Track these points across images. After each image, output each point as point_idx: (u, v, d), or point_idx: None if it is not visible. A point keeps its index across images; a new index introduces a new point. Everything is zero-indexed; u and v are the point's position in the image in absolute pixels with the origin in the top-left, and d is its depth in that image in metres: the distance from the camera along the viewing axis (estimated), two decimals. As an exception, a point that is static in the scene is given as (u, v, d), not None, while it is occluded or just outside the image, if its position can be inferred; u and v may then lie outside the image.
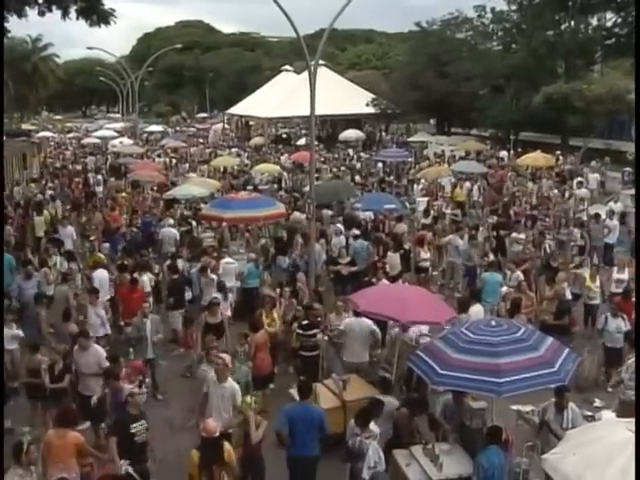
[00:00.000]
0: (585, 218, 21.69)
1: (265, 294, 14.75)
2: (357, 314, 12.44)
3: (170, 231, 20.31)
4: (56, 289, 15.04)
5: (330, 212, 22.68)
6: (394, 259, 17.58)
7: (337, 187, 25.26)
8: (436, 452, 9.06)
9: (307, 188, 24.02)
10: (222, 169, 35.61)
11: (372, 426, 9.07)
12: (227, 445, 8.47)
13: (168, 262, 16.84)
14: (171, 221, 21.39)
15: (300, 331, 12.86)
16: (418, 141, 47.97)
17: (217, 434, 8.31)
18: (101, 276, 15.35)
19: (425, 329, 12.72)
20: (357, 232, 19.88)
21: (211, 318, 13.22)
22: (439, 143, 44.64)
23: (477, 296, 14.30)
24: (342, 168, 35.23)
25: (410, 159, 38.52)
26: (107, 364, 11.05)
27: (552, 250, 18.63)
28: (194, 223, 21.63)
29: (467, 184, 28.55)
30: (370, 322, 12.42)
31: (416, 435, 9.70)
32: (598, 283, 15.49)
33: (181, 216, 22.65)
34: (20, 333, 12.63)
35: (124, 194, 27.91)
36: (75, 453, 8.73)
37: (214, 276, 15.64)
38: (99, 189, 31.15)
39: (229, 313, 14.57)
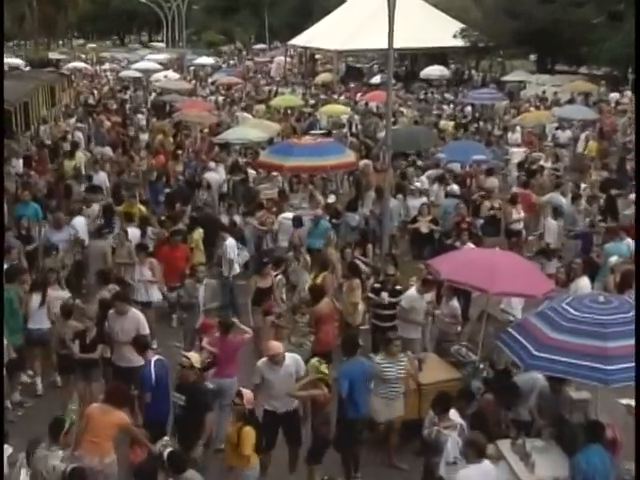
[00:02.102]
0: None
1: (327, 256, 14.81)
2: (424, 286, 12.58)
3: (213, 175, 20.54)
4: (91, 244, 15.34)
5: (404, 162, 22.57)
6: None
7: (417, 134, 25.03)
8: (527, 449, 8.95)
9: (382, 134, 23.95)
10: (283, 110, 35.62)
11: (453, 415, 9.02)
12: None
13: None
14: (213, 164, 21.62)
15: (376, 297, 12.95)
16: (515, 81, 47.04)
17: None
18: (132, 232, 15.59)
19: (517, 303, 12.58)
20: (455, 190, 19.70)
21: (262, 282, 13.32)
22: (540, 83, 43.70)
23: (592, 269, 14.03)
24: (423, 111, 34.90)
25: (504, 102, 37.86)
26: (147, 331, 11.19)
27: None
28: (250, 172, 21.77)
29: (567, 133, 27.93)
30: (428, 297, 12.58)
31: (503, 427, 9.61)
32: None
33: (234, 163, 22.78)
34: (67, 294, 12.87)
35: (169, 137, 28.22)
36: (115, 435, 8.90)
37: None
38: (140, 130, 31.54)
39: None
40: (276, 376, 9.66)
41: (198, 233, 16.03)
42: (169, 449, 8.25)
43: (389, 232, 16.69)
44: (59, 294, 12.69)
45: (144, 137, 28.89)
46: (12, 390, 11.94)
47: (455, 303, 12.73)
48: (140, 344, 10.42)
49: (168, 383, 9.96)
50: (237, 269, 15.36)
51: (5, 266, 12.70)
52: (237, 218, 17.56)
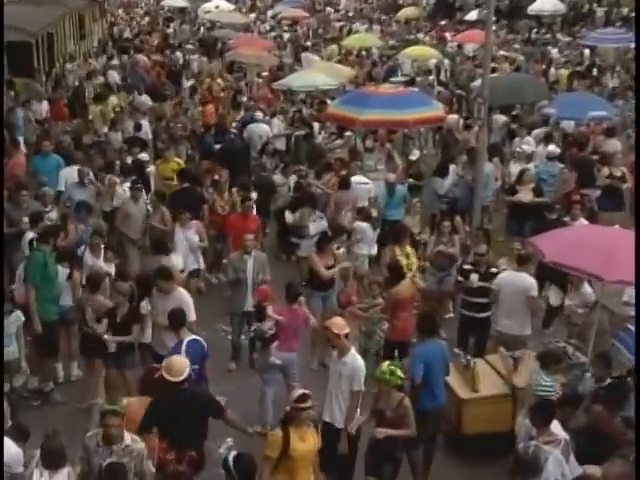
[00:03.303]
0: None
1: (406, 227, 14.85)
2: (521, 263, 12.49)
3: (260, 128, 20.70)
4: (128, 207, 15.42)
5: (504, 118, 22.35)
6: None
7: (521, 83, 24.59)
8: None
9: (477, 83, 23.69)
10: (357, 51, 35.49)
11: (555, 427, 8.95)
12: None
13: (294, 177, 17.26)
14: (260, 114, 21.74)
15: (464, 280, 12.98)
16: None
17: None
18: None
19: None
20: (554, 150, 19.40)
21: (324, 259, 13.39)
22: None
23: None
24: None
25: (632, 44, 37.04)
26: (193, 314, 11.24)
27: None
28: (316, 125, 21.83)
29: None
30: (530, 279, 12.43)
31: (621, 443, 9.46)
32: None
33: (298, 115, 22.80)
34: (110, 269, 13.14)
35: (220, 81, 28.39)
36: None
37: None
38: (185, 72, 31.75)
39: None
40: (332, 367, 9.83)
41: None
42: (234, 452, 8.25)
43: (482, 203, 16.59)
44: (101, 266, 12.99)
45: (190, 80, 29.08)
46: (32, 375, 12.15)
47: (588, 289, 12.61)
48: (175, 320, 10.46)
49: (203, 373, 10.13)
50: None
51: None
52: (292, 180, 17.73)
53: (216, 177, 17.13)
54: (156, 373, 9.24)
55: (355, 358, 9.86)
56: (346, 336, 9.90)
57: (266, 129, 21.17)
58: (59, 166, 17.13)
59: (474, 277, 12.84)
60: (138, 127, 20.87)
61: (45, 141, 17.98)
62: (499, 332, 12.44)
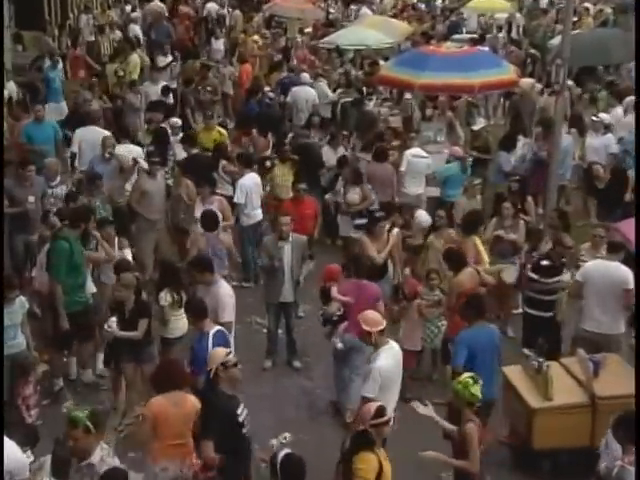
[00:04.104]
0: None
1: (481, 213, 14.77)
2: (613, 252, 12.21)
3: (307, 91, 20.70)
4: (144, 183, 15.28)
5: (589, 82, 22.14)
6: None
7: (607, 41, 24.31)
8: None
9: (555, 41, 23.37)
10: (415, 4, 35.37)
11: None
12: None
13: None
14: (306, 76, 21.69)
15: (535, 276, 12.83)
16: None
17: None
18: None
19: None
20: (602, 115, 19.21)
21: (377, 243, 13.37)
22: None
23: None
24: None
25: None
26: (230, 314, 11.19)
27: None
28: (366, 90, 21.72)
29: None
30: (625, 268, 12.11)
31: None
32: None
33: (345, 77, 22.69)
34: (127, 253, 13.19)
35: (257, 37, 28.33)
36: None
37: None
38: (218, 27, 31.71)
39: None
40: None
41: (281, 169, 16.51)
42: (286, 450, 8.18)
43: (558, 181, 16.41)
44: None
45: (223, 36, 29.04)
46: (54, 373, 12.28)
47: None
48: (196, 309, 10.54)
49: None
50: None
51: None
52: (341, 151, 17.70)
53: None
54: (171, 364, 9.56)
55: (379, 356, 9.67)
56: (381, 332, 9.78)
57: (313, 93, 21.17)
58: (56, 133, 17.15)
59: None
60: (166, 90, 20.91)
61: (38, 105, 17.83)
62: (586, 331, 12.18)
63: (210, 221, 13.46)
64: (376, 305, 11.22)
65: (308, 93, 21.06)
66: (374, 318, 9.86)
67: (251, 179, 15.71)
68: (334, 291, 11.66)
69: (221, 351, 9.18)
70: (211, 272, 11.47)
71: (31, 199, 13.97)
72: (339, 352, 11.57)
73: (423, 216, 15.00)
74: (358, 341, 10.56)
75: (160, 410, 9.04)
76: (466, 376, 9.22)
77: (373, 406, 8.39)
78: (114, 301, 11.60)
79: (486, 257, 13.45)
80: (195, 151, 16.83)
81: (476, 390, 9.05)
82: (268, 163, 17.09)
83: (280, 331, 13.31)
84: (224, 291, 11.38)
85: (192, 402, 9.13)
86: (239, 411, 8.93)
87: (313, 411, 11.89)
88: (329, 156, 17.67)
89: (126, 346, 11.37)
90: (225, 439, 8.69)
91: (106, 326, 11.26)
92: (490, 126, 21.01)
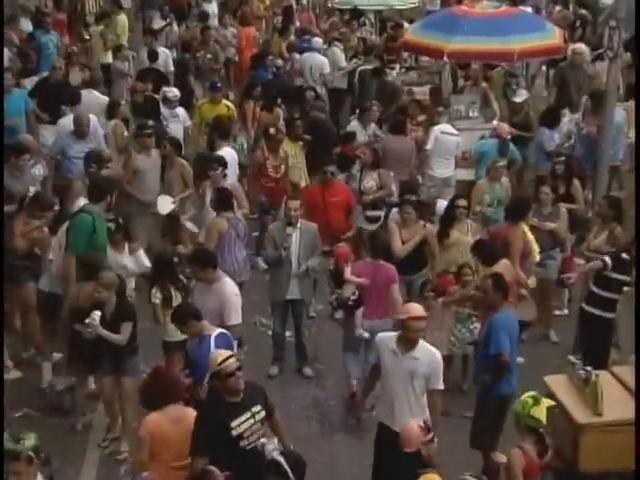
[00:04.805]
0: None
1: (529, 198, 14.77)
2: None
3: (314, 58, 20.87)
4: (135, 160, 15.32)
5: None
6: None
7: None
8: None
9: (608, 1, 23.14)
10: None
11: None
12: None
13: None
14: (319, 41, 21.79)
15: (612, 274, 12.69)
16: None
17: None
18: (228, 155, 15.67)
19: None
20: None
21: (406, 232, 13.39)
22: None
23: None
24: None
25: None
26: (236, 316, 11.16)
27: None
28: (387, 57, 21.82)
29: None
30: None
31: None
32: None
33: (363, 43, 22.55)
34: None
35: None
36: None
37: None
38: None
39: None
40: (396, 365, 9.66)
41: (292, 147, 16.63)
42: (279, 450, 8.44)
43: (610, 162, 16.20)
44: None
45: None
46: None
47: None
48: (184, 315, 10.49)
49: None
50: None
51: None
52: (372, 128, 17.64)
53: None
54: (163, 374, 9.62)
55: (428, 350, 9.81)
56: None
57: (322, 61, 21.16)
58: (27, 105, 17.04)
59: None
60: (153, 55, 20.83)
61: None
62: None
63: (226, 200, 13.47)
64: (391, 287, 11.60)
65: (315, 61, 21.03)
66: (417, 309, 9.92)
67: (229, 154, 15.67)
68: (347, 272, 11.82)
69: (216, 356, 9.00)
70: (214, 267, 11.43)
71: (32, 190, 13.76)
72: (353, 342, 11.85)
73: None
74: (381, 324, 11.04)
75: (157, 429, 8.99)
76: (527, 395, 9.04)
77: (415, 423, 8.51)
78: (93, 303, 11.40)
79: (536, 247, 13.43)
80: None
81: (538, 413, 8.85)
82: (272, 130, 16.67)
83: (288, 333, 13.29)
84: (230, 289, 11.32)
85: (193, 416, 8.99)
86: (234, 423, 8.77)
87: (326, 426, 11.91)
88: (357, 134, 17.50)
89: (105, 353, 11.33)
90: (217, 454, 8.59)
91: (88, 320, 11.11)
92: (530, 99, 20.77)
